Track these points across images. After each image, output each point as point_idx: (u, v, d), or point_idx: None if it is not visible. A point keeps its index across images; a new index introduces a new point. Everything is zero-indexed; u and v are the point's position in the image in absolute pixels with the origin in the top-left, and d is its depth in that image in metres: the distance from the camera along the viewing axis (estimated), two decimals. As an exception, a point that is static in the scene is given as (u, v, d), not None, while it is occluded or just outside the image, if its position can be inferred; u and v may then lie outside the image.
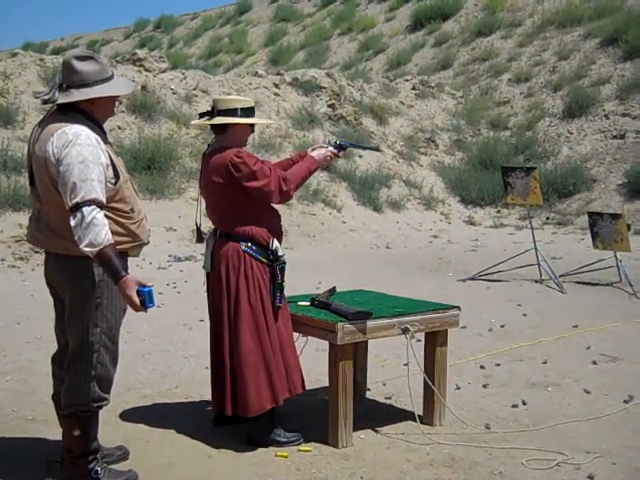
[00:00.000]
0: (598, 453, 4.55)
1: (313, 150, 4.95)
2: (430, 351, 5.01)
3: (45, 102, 3.79)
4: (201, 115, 4.73)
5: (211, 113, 4.63)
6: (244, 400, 4.48)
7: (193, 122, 5.12)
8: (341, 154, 5.04)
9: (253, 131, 4.79)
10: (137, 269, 9.45)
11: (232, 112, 4.56)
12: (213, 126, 4.67)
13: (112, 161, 3.76)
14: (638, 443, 4.73)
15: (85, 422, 3.87)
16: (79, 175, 3.56)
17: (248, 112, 4.61)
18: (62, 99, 3.73)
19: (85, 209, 3.52)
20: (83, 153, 3.60)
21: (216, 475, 4.21)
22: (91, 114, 3.80)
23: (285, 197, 4.63)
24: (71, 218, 3.54)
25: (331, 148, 4.94)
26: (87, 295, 3.79)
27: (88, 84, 3.73)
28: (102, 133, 3.83)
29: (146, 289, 3.56)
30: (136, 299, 3.54)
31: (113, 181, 3.74)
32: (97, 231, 3.52)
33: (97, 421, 3.97)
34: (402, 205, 15.39)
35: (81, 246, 3.52)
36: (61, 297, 3.92)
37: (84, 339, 3.81)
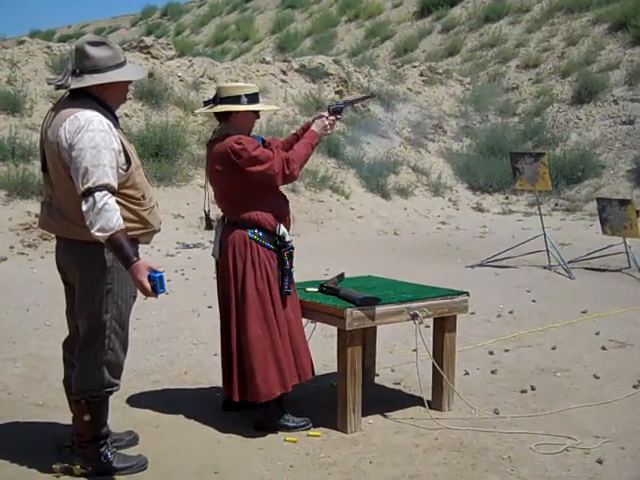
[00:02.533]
0: (607, 438, 4.55)
1: (314, 121, 4.90)
2: (439, 337, 5.00)
3: (58, 87, 3.79)
4: (205, 103, 4.71)
5: (214, 101, 4.61)
6: (252, 387, 4.48)
7: (197, 110, 5.11)
8: (340, 117, 4.95)
9: (258, 117, 4.73)
10: (145, 256, 9.37)
11: (235, 99, 4.52)
12: (217, 114, 4.64)
13: (124, 147, 3.75)
14: (647, 428, 4.73)
15: (95, 407, 3.89)
16: (91, 160, 3.56)
17: (252, 98, 4.57)
18: (75, 84, 3.73)
19: (97, 194, 3.52)
20: (95, 139, 3.60)
21: (225, 460, 4.23)
22: (104, 100, 3.80)
23: (289, 179, 4.60)
24: (83, 203, 3.54)
25: (327, 115, 4.86)
26: (98, 281, 3.79)
27: (101, 69, 3.72)
28: (114, 119, 3.83)
29: (157, 274, 3.56)
30: (147, 284, 3.53)
31: (125, 167, 3.74)
32: (109, 216, 3.52)
33: (107, 406, 3.99)
34: (410, 192, 15.36)
35: (92, 231, 3.52)
36: (72, 283, 3.93)
37: (94, 325, 3.83)
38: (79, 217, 3.61)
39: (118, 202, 3.62)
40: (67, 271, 3.94)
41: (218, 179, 4.58)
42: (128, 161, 3.76)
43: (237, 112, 4.54)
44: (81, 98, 3.75)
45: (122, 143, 3.75)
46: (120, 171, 3.70)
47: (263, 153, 4.47)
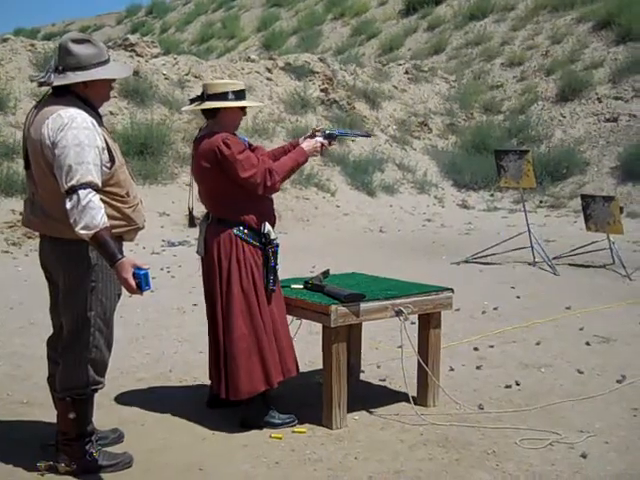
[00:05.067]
0: (591, 432, 4.58)
1: (305, 139, 4.89)
2: (424, 333, 5.02)
3: (41, 85, 3.79)
4: (192, 100, 4.70)
5: (201, 98, 4.60)
6: (235, 384, 4.49)
7: (184, 108, 5.10)
8: (332, 144, 4.97)
9: (245, 114, 4.73)
10: (131, 254, 9.37)
11: (222, 96, 4.52)
12: (204, 111, 4.64)
13: (107, 145, 3.75)
14: (631, 422, 4.77)
15: (80, 405, 3.89)
16: (75, 158, 3.55)
17: (239, 95, 4.57)
18: (58, 81, 3.72)
19: (81, 192, 3.52)
20: (79, 136, 3.59)
21: (210, 457, 4.23)
22: (87, 97, 3.79)
23: (269, 190, 4.56)
24: (67, 201, 3.54)
25: (320, 139, 4.86)
26: (82, 279, 3.79)
27: (84, 67, 3.71)
28: (98, 117, 3.82)
29: (142, 272, 3.56)
30: (132, 282, 3.53)
31: (108, 165, 3.73)
32: (93, 214, 3.51)
33: (92, 404, 3.98)
34: (395, 189, 15.38)
35: (77, 229, 3.52)
36: (56, 281, 3.92)
37: (79, 323, 3.82)
38: (62, 215, 3.61)
39: (102, 200, 3.61)
40: (51, 269, 3.93)
41: (204, 176, 4.57)
42: (112, 159, 3.75)
43: (224, 109, 4.54)
44: (64, 96, 3.74)
45: (106, 141, 3.74)
46: (104, 169, 3.70)
47: (248, 159, 4.45)
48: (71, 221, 3.54)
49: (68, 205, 3.53)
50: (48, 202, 3.77)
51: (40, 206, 3.82)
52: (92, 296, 3.82)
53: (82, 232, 3.52)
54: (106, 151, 3.73)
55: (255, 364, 4.49)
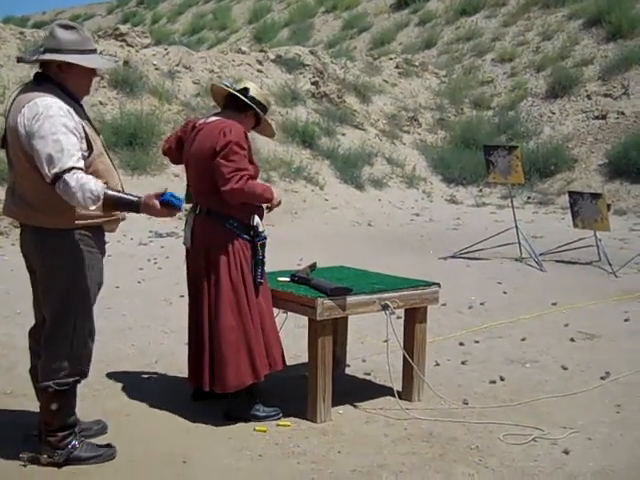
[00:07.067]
0: (574, 428, 4.59)
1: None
2: (409, 328, 5.03)
3: (18, 60, 3.87)
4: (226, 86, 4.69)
5: (245, 94, 4.59)
6: (222, 376, 4.47)
7: (224, 81, 4.91)
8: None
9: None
10: (118, 245, 9.42)
11: (264, 109, 4.68)
12: (233, 101, 4.61)
13: (86, 134, 3.72)
14: (614, 419, 4.78)
15: (62, 396, 3.87)
16: (54, 146, 3.54)
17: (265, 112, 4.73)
18: (30, 57, 3.74)
19: (66, 176, 3.51)
20: (56, 124, 3.57)
21: (194, 449, 4.22)
22: (64, 85, 3.76)
23: (230, 191, 4.36)
24: (57, 190, 3.53)
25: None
26: (61, 269, 3.77)
27: (61, 50, 3.70)
28: (79, 107, 3.80)
29: (165, 197, 3.66)
30: (164, 211, 3.67)
31: (86, 154, 3.72)
32: (89, 187, 3.52)
33: (75, 395, 3.97)
34: (384, 183, 15.39)
35: (90, 208, 3.56)
36: (36, 271, 3.90)
37: (59, 313, 3.80)
38: (41, 204, 3.62)
39: None
40: (31, 259, 3.91)
41: (200, 160, 4.49)
42: (89, 147, 3.73)
43: (253, 115, 4.65)
44: (43, 83, 3.74)
45: (85, 130, 3.72)
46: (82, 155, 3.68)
47: (242, 160, 4.42)
48: (76, 206, 3.58)
49: (61, 193, 3.54)
50: (27, 191, 3.76)
51: (20, 195, 3.81)
52: (72, 286, 3.80)
53: (93, 208, 3.57)
54: (84, 139, 3.71)
55: (243, 357, 4.48)
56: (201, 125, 4.59)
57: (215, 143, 4.40)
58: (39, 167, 3.57)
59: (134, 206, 3.68)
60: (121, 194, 3.70)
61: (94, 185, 3.54)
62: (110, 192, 3.62)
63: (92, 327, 3.94)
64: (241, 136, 4.44)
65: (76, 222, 3.75)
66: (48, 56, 3.71)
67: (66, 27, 3.75)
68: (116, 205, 3.69)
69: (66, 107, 3.66)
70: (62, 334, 3.82)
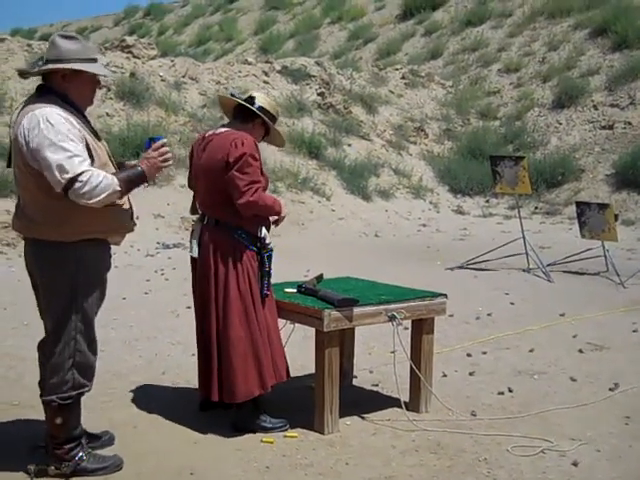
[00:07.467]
0: (583, 440, 4.57)
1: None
2: (417, 339, 5.01)
3: (20, 74, 3.90)
4: (232, 95, 4.71)
5: (251, 103, 4.60)
6: (231, 387, 4.47)
7: (231, 91, 4.91)
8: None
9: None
10: (125, 256, 9.43)
11: (273, 118, 4.68)
12: (241, 111, 4.62)
13: (87, 144, 3.72)
14: (623, 430, 4.76)
15: (66, 410, 3.86)
16: (62, 154, 3.55)
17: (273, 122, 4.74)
18: (32, 69, 3.77)
19: (81, 177, 3.54)
20: (60, 132, 3.59)
21: (201, 461, 4.21)
22: (66, 93, 3.75)
23: (245, 204, 4.39)
24: (74, 195, 3.55)
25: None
26: (62, 281, 3.76)
27: (63, 60, 3.71)
28: (82, 118, 3.80)
29: (147, 144, 3.84)
30: (159, 160, 3.80)
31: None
32: (105, 183, 3.59)
33: (79, 408, 3.96)
34: (391, 194, 15.38)
35: (114, 199, 3.67)
36: (38, 283, 3.89)
37: (60, 326, 3.79)
38: (42, 216, 3.63)
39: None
40: (33, 272, 3.90)
41: (210, 171, 4.48)
42: (91, 157, 3.73)
43: (262, 124, 4.65)
44: (45, 95, 3.74)
45: (86, 140, 3.72)
46: None
47: (256, 172, 4.42)
48: (95, 205, 3.60)
49: (76, 198, 3.56)
50: (28, 203, 3.76)
51: (22, 208, 3.82)
52: (73, 299, 3.78)
53: (119, 201, 3.70)
54: (85, 149, 3.70)
55: (251, 367, 4.47)
56: (210, 136, 4.59)
57: (227, 155, 4.40)
58: (48, 176, 3.57)
59: (142, 174, 3.76)
60: (127, 174, 3.75)
61: (109, 179, 3.62)
62: (122, 180, 3.69)
63: (94, 340, 3.93)
64: (253, 147, 4.45)
65: (79, 235, 3.74)
66: (50, 66, 3.71)
67: (66, 37, 3.77)
68: (130, 184, 3.74)
69: (64, 114, 3.66)
70: (62, 348, 3.80)
